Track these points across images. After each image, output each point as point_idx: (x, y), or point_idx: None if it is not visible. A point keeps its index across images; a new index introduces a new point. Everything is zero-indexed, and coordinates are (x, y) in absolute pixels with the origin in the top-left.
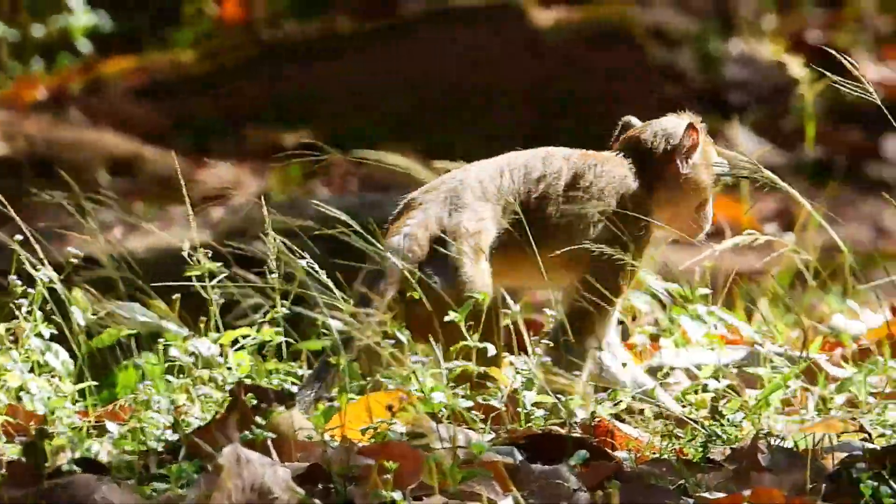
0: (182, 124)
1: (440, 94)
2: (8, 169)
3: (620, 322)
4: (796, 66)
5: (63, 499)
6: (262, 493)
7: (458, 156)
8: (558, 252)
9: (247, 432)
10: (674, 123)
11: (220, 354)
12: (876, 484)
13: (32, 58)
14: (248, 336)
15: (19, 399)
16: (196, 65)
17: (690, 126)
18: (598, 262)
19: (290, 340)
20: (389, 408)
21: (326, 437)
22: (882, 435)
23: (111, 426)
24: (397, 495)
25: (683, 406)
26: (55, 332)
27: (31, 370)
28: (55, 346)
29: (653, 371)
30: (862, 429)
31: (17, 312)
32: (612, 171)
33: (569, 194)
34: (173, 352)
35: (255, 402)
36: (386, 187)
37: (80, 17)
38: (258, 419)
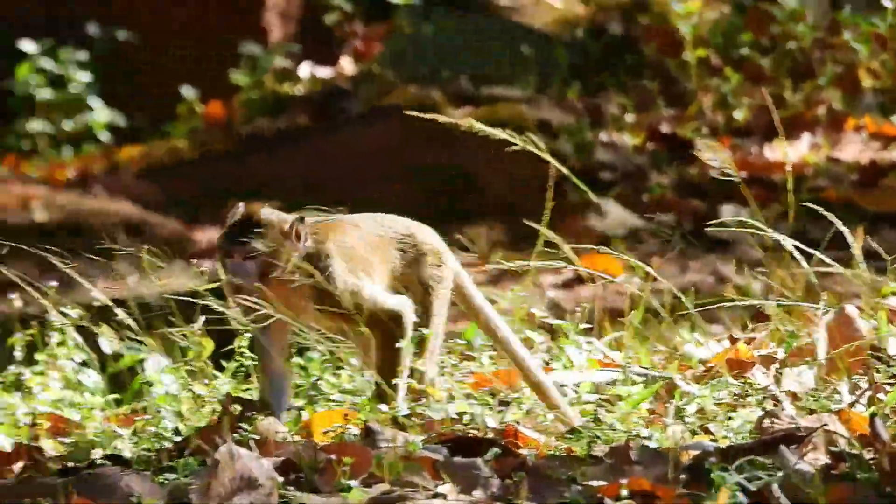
0: (177, 198)
1: (371, 176)
2: (45, 232)
3: None
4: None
5: (95, 486)
6: (249, 481)
7: None
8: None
9: (236, 434)
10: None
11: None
12: (724, 475)
13: (63, 146)
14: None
15: (58, 408)
16: (188, 152)
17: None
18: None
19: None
20: (345, 416)
21: (297, 438)
22: (726, 437)
23: (124, 431)
24: (353, 483)
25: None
26: (86, 357)
27: (67, 386)
28: (87, 368)
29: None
30: (709, 432)
31: (51, 342)
32: None
33: None
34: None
35: (239, 410)
36: None
37: (100, 114)
38: (244, 424)
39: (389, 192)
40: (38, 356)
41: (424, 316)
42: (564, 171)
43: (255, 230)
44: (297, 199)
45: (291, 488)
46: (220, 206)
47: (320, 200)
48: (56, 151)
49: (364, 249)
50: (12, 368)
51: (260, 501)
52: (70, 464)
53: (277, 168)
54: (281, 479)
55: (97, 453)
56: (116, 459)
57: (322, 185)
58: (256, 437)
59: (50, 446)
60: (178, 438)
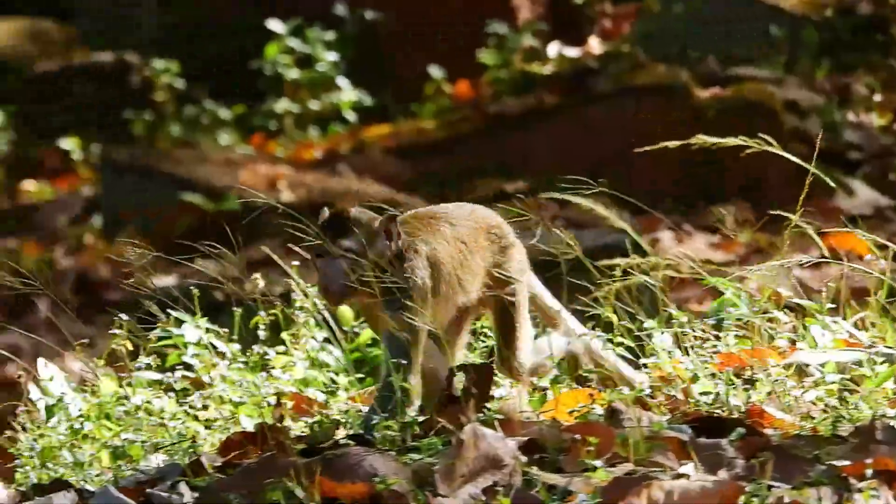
0: (425, 177)
1: (619, 154)
2: (291, 211)
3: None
4: None
5: (340, 466)
6: (494, 461)
7: (628, 204)
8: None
9: (480, 413)
10: None
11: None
12: None
13: (310, 126)
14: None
15: (302, 388)
16: (435, 132)
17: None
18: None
19: None
20: (591, 395)
21: (541, 417)
22: None
23: (366, 409)
24: (597, 463)
25: (817, 396)
26: (327, 336)
27: (311, 366)
28: (329, 346)
29: (789, 366)
30: None
31: (297, 321)
32: None
33: None
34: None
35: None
36: (583, 225)
37: (347, 94)
38: (488, 403)
39: (637, 171)
40: (284, 335)
41: (511, 306)
42: (799, 161)
43: (346, 229)
44: (545, 177)
45: (535, 468)
46: (469, 185)
47: (568, 180)
48: (303, 131)
49: (459, 251)
50: (256, 348)
51: (504, 481)
52: (314, 444)
53: (526, 147)
54: (524, 458)
55: (341, 433)
56: (360, 439)
57: (570, 163)
58: (501, 416)
59: (294, 426)
60: (423, 418)
